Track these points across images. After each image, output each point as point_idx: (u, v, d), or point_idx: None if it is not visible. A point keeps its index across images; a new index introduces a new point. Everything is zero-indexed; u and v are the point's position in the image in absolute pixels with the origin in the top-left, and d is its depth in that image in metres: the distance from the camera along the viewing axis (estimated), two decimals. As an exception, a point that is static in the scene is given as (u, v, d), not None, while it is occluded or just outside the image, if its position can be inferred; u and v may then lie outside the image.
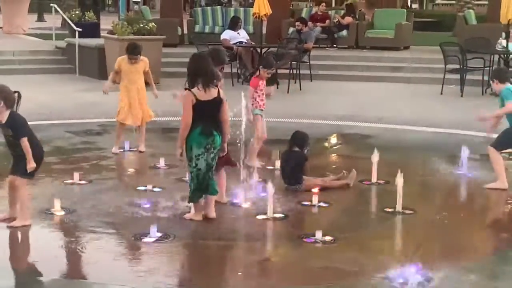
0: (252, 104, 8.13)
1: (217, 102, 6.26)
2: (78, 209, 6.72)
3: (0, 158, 7.88)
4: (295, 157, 7.54)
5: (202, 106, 6.18)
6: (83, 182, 7.64)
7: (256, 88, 8.18)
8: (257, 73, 8.33)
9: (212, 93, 6.25)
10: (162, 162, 8.33)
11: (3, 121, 6.13)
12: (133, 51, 9.12)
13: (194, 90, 6.20)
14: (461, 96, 13.78)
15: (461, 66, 14.03)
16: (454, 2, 30.82)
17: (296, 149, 7.59)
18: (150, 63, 9.52)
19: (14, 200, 6.31)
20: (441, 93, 14.03)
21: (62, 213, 6.59)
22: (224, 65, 7.35)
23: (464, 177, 8.10)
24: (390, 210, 6.85)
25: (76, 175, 7.69)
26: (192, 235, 6.19)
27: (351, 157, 9.16)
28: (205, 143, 6.21)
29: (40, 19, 28.66)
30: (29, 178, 6.24)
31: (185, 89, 6.26)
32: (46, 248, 5.82)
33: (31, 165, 6.09)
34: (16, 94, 6.23)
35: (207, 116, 6.22)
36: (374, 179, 7.76)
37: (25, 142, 6.08)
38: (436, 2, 40.40)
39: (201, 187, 6.30)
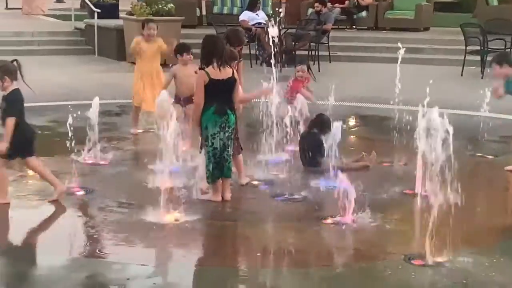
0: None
1: (232, 82, 6.30)
2: (97, 188, 6.76)
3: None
4: (314, 139, 7.53)
5: (216, 85, 6.22)
6: (102, 162, 7.69)
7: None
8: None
9: (227, 72, 6.28)
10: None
11: (6, 93, 6.14)
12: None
13: (209, 69, 6.22)
14: (482, 77, 13.67)
15: (482, 48, 13.91)
16: (475, -18, 30.46)
17: (315, 130, 7.58)
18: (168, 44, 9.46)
19: None
20: (462, 75, 13.93)
21: (82, 192, 6.64)
22: (243, 46, 7.34)
23: (485, 159, 8.06)
24: (410, 192, 6.83)
25: (95, 154, 7.74)
26: (210, 216, 6.22)
27: (370, 139, 9.13)
28: (220, 121, 6.24)
29: (59, 0, 28.72)
30: (5, 158, 6.21)
31: (200, 68, 6.28)
32: (66, 227, 5.88)
33: (2, 146, 6.07)
34: (15, 63, 6.22)
35: (221, 95, 6.27)
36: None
37: (9, 122, 6.05)
38: (457, -17, 39.96)
39: (218, 166, 6.33)
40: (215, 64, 6.24)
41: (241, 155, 6.88)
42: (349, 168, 7.43)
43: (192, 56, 8.47)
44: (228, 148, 6.37)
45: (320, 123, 7.62)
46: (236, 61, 6.80)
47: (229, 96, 6.33)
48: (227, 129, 6.31)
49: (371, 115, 10.73)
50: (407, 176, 7.34)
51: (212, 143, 6.29)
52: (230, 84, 6.31)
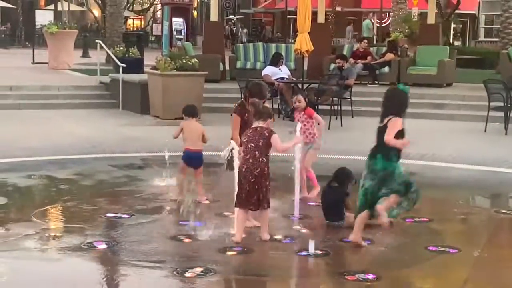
0: (307, 137, 8.46)
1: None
2: (120, 242, 6.75)
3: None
4: (334, 193, 7.50)
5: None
6: (125, 215, 7.69)
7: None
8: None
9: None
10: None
11: None
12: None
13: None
14: (505, 134, 13.60)
15: (505, 104, 13.87)
16: (497, 39, 30.60)
17: (335, 184, 7.56)
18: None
19: None
20: (485, 131, 13.87)
21: (104, 246, 6.63)
22: (265, 100, 7.41)
23: (509, 216, 7.96)
24: (433, 248, 6.75)
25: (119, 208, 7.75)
26: (233, 270, 6.18)
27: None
28: None
29: (85, 55, 29.19)
30: None
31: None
32: (86, 282, 5.83)
33: None
34: None
35: None
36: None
37: None
38: (479, 39, 40.16)
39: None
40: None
41: (268, 210, 6.86)
42: (371, 223, 7.36)
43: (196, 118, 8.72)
44: None
45: (341, 176, 7.59)
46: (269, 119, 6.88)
47: None
48: None
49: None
50: (430, 232, 7.26)
51: None
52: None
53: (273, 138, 6.74)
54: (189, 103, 9.04)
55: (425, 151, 11.76)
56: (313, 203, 8.20)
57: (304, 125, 8.49)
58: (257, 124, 6.84)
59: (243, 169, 6.71)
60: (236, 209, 6.87)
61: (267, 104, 7.66)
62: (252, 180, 6.70)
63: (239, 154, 6.79)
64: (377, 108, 17.51)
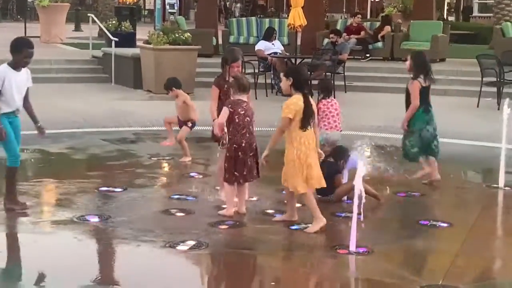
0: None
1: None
2: (113, 216, 6.76)
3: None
4: (328, 167, 7.51)
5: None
6: (118, 189, 7.69)
7: None
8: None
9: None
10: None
11: None
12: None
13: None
14: (498, 109, 13.61)
15: (498, 79, 13.87)
16: (491, 14, 30.53)
17: (331, 160, 7.57)
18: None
19: None
20: (478, 106, 13.89)
21: (97, 219, 6.63)
22: (239, 63, 7.31)
23: (501, 190, 8.00)
24: (425, 222, 6.79)
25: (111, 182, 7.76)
26: (225, 244, 6.20)
27: (385, 169, 9.07)
28: None
29: (77, 29, 28.99)
30: None
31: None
32: (78, 255, 5.84)
33: None
34: None
35: None
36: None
37: None
38: (473, 14, 40.06)
39: None
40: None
41: (247, 183, 6.88)
42: (369, 192, 7.41)
43: (175, 92, 9.15)
44: None
45: (337, 152, 7.60)
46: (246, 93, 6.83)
47: None
48: None
49: (387, 145, 10.69)
50: (422, 207, 7.29)
51: None
52: None
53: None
54: (181, 77, 9.33)
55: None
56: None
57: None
58: (240, 97, 6.79)
59: (243, 145, 6.69)
60: (224, 184, 6.87)
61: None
62: (251, 154, 6.73)
63: (224, 133, 6.71)
64: (370, 83, 17.65)
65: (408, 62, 8.14)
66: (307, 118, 6.35)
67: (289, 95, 6.45)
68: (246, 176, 6.75)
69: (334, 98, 9.04)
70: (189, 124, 9.15)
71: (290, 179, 6.41)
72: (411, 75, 8.08)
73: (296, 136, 6.35)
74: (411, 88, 8.09)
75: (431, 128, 8.13)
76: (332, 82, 14.79)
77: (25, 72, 6.79)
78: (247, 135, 6.70)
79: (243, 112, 6.71)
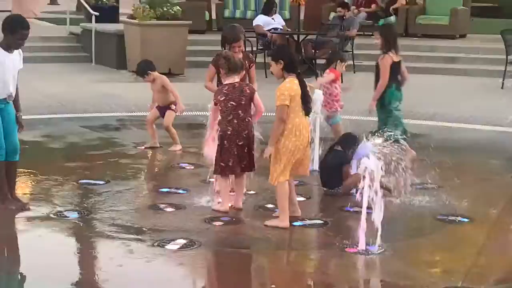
0: (327, 105, 8.49)
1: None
2: (94, 211, 6.77)
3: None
4: (336, 156, 7.53)
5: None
6: (100, 182, 7.70)
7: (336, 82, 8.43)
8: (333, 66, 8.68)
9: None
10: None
11: None
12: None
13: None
14: (525, 91, 13.64)
15: (525, 57, 13.86)
16: (517, -15, 30.43)
17: (339, 148, 7.58)
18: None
19: None
20: (502, 87, 13.89)
21: (76, 215, 6.65)
22: (241, 42, 7.33)
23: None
24: (443, 217, 6.81)
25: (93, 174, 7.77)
26: (220, 243, 6.22)
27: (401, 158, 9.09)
28: None
29: (53, 2, 28.92)
30: None
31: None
32: (55, 254, 5.86)
33: None
34: None
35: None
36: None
37: None
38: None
39: None
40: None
41: (245, 175, 6.90)
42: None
43: (151, 76, 9.16)
44: None
45: (345, 140, 7.61)
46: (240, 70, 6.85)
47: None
48: None
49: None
50: (440, 200, 7.31)
51: None
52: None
53: (256, 97, 6.76)
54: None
55: (435, 110, 11.78)
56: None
57: (327, 89, 8.47)
58: (231, 79, 6.79)
59: (228, 132, 6.69)
60: (218, 177, 6.90)
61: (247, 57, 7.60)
62: (240, 143, 6.72)
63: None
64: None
65: (378, 39, 8.16)
66: (306, 103, 6.36)
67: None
68: (232, 167, 6.74)
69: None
70: (173, 107, 9.15)
71: (271, 166, 6.45)
72: (383, 51, 8.11)
73: (292, 123, 6.35)
74: (382, 63, 8.13)
75: (401, 107, 8.34)
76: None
77: (17, 53, 6.77)
78: (235, 121, 6.70)
79: (223, 97, 6.72)
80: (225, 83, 6.80)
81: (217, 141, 6.76)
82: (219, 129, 6.73)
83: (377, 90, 8.18)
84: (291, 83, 6.36)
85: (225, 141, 6.69)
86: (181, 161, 8.67)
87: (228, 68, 6.77)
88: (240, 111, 6.71)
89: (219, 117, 6.75)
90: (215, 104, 6.75)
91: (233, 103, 6.70)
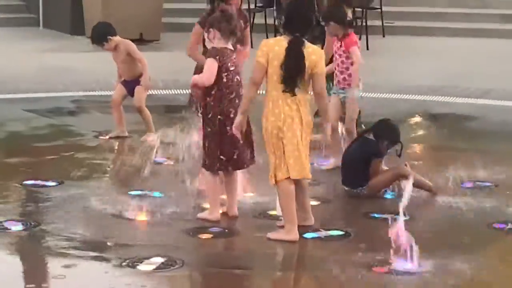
0: (345, 80, 8.28)
1: None
2: (43, 221, 6.77)
3: None
4: (364, 146, 7.52)
5: None
6: (51, 183, 7.70)
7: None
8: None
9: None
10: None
11: None
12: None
13: None
14: None
15: None
16: None
17: (371, 136, 7.56)
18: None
19: None
20: None
21: (20, 227, 6.64)
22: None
23: None
24: (500, 225, 6.82)
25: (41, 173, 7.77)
26: (208, 261, 6.24)
27: (444, 147, 9.11)
28: None
29: None
30: None
31: None
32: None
33: None
34: None
35: None
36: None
37: None
38: None
39: None
40: None
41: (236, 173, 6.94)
42: (420, 184, 7.45)
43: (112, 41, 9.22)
44: None
45: (379, 128, 7.58)
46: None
47: None
48: None
49: (444, 113, 10.71)
50: (496, 202, 7.31)
51: None
52: None
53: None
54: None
55: (489, 86, 11.78)
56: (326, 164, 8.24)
57: (339, 57, 8.40)
58: (226, 44, 6.78)
59: (231, 115, 6.68)
60: (205, 174, 6.92)
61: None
62: (244, 130, 6.70)
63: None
64: (419, 23, 17.61)
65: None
66: (288, 74, 6.34)
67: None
68: (237, 161, 6.76)
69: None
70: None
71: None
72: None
73: (270, 99, 6.38)
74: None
75: None
76: (364, 21, 14.80)
77: None
78: (237, 101, 6.71)
79: (233, 67, 6.73)
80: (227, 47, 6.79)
81: (208, 127, 6.74)
82: (212, 111, 6.70)
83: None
84: (276, 42, 6.43)
85: (228, 128, 6.69)
86: (156, 156, 8.65)
87: (227, 28, 6.75)
88: (240, 89, 6.76)
89: (215, 91, 6.70)
90: (219, 66, 6.68)
91: (239, 78, 6.77)
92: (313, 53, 6.37)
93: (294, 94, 6.32)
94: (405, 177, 7.12)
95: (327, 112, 6.57)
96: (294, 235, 6.43)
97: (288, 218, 6.45)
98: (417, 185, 7.29)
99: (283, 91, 6.32)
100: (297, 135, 6.34)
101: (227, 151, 6.72)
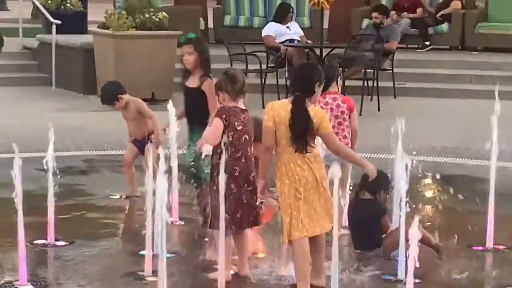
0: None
1: None
2: (53, 282, 6.74)
3: None
4: (366, 207, 7.50)
5: None
6: (61, 243, 7.70)
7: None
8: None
9: None
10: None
11: None
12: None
13: None
14: None
15: None
16: None
17: (367, 196, 7.56)
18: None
19: None
20: None
21: (30, 287, 6.61)
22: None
23: None
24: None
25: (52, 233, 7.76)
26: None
27: (456, 209, 9.07)
28: None
29: (2, 7, 29.15)
30: None
31: None
32: None
33: None
34: None
35: None
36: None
37: None
38: None
39: None
40: None
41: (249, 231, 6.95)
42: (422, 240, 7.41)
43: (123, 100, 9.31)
44: None
45: (373, 182, 7.56)
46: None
47: None
48: None
49: (457, 174, 10.68)
50: (509, 266, 7.27)
51: None
52: None
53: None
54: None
55: (503, 146, 11.73)
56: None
57: (335, 118, 8.38)
58: (239, 104, 6.82)
59: (235, 173, 6.71)
60: (212, 232, 6.91)
61: None
62: (249, 189, 6.75)
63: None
64: (431, 84, 17.63)
65: (191, 55, 7.92)
66: (298, 133, 6.37)
67: None
68: (241, 221, 6.75)
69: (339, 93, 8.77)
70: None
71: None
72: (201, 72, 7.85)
73: (281, 162, 6.43)
74: (210, 87, 8.04)
75: None
76: (375, 81, 14.82)
77: None
78: (243, 160, 6.74)
79: (240, 127, 6.75)
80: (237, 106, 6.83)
81: (214, 185, 6.73)
82: (218, 169, 6.69)
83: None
84: (281, 106, 6.48)
85: (232, 185, 6.70)
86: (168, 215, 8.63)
87: (233, 88, 6.81)
88: (249, 148, 6.79)
89: (218, 151, 6.71)
90: (225, 125, 6.71)
91: (247, 137, 6.77)
92: (314, 116, 6.41)
93: (307, 152, 6.34)
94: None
95: (357, 159, 6.75)
96: None
97: (301, 277, 6.42)
98: (425, 242, 7.29)
99: (296, 151, 6.34)
100: (311, 194, 6.37)
101: (231, 209, 6.72)
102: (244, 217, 6.77)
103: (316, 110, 6.49)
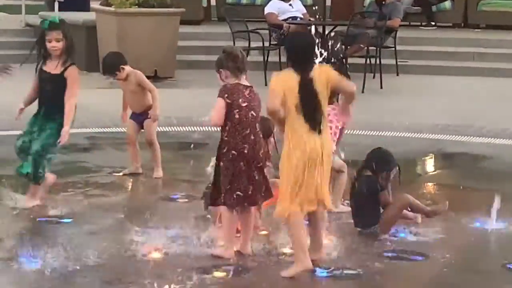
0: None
1: None
2: (56, 258, 6.76)
3: None
4: (365, 184, 7.50)
5: None
6: (65, 220, 7.72)
7: None
8: None
9: None
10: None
11: None
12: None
13: None
14: None
15: None
16: None
17: (368, 173, 7.56)
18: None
19: None
20: None
21: (33, 264, 6.62)
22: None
23: None
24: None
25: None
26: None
27: (458, 187, 9.07)
28: None
29: (4, -16, 29.09)
30: None
31: None
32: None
33: None
34: None
35: None
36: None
37: None
38: None
39: None
40: None
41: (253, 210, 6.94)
42: (415, 210, 7.50)
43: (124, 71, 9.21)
44: None
45: (375, 160, 7.57)
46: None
47: None
48: None
49: (458, 152, 10.68)
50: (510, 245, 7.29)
51: None
52: None
53: None
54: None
55: (504, 124, 11.75)
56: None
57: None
58: (238, 79, 6.81)
59: (245, 150, 6.71)
60: (220, 210, 6.90)
61: None
62: (259, 166, 6.76)
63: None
64: (433, 62, 17.57)
65: (60, 42, 8.09)
66: (308, 107, 6.36)
67: None
68: (252, 197, 6.75)
69: None
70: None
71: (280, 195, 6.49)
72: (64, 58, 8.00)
73: (292, 133, 6.40)
74: (75, 76, 8.23)
75: None
76: (378, 59, 14.81)
77: None
78: (252, 137, 6.73)
79: (245, 103, 6.74)
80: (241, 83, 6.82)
81: (222, 162, 6.75)
82: (227, 146, 6.72)
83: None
84: (286, 76, 6.47)
85: (241, 163, 6.71)
86: (171, 192, 8.65)
87: (233, 65, 6.78)
88: (257, 124, 6.79)
89: (228, 128, 6.73)
90: (227, 105, 6.70)
91: (253, 113, 6.76)
92: (319, 75, 6.41)
93: (320, 132, 6.36)
94: (410, 205, 7.33)
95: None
96: (306, 264, 6.40)
97: (299, 247, 6.43)
98: (414, 209, 7.35)
99: (313, 128, 6.36)
100: (317, 168, 6.39)
101: (242, 186, 6.73)
102: (254, 193, 6.77)
103: (320, 71, 6.47)
